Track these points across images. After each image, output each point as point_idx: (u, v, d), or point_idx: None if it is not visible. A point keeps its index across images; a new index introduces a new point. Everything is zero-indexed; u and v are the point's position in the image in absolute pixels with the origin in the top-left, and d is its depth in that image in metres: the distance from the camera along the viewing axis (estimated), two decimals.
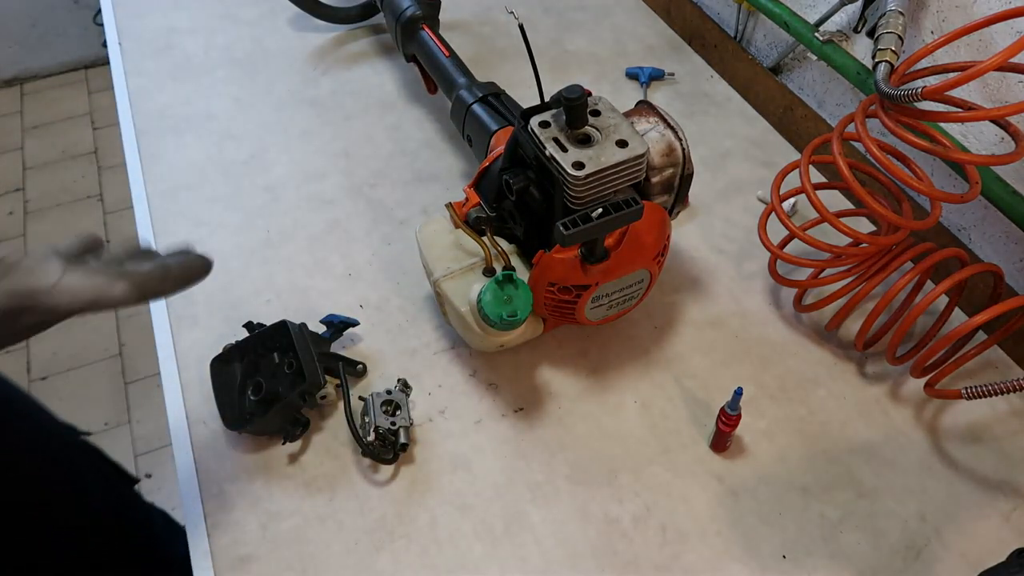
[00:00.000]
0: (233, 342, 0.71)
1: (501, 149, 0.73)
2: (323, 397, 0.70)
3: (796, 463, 0.70)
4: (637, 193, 0.66)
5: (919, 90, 0.63)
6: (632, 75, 1.08)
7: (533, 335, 0.72)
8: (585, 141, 0.64)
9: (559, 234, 0.60)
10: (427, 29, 0.96)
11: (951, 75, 0.61)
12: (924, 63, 0.72)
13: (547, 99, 0.66)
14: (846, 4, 0.89)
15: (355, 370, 0.72)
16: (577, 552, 0.64)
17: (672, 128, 0.71)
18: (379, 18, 1.16)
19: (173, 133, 0.97)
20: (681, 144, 0.71)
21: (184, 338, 0.76)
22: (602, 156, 0.62)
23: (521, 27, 0.69)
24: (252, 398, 0.68)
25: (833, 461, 0.71)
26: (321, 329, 0.73)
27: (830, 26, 0.93)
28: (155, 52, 1.08)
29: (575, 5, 1.22)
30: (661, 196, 0.73)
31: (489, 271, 0.69)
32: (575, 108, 0.62)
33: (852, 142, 0.85)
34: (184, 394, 0.72)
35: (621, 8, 1.22)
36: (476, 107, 0.85)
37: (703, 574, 0.63)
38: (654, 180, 0.71)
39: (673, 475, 0.69)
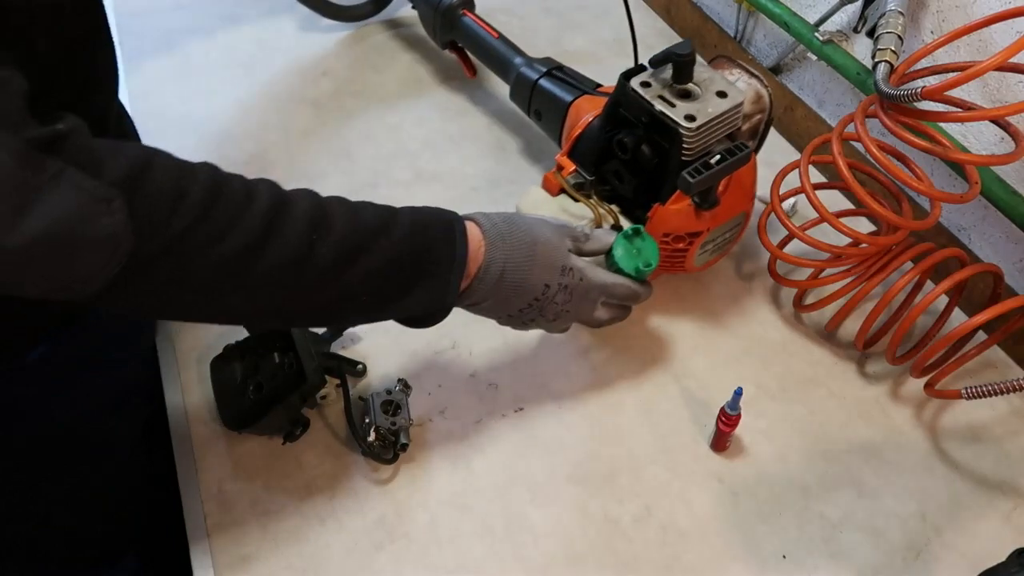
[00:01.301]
0: (233, 342, 0.71)
1: (588, 118, 0.77)
2: (323, 397, 0.70)
3: (796, 463, 0.70)
4: (730, 140, 0.70)
5: (919, 90, 0.63)
6: None
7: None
8: (686, 96, 0.69)
9: (685, 183, 0.65)
10: (469, 14, 0.97)
11: (951, 75, 0.61)
12: (924, 63, 0.72)
13: (641, 61, 0.72)
14: (846, 4, 0.89)
15: (355, 370, 0.72)
16: (577, 552, 0.64)
17: (756, 76, 0.76)
18: (388, 13, 1.16)
19: (173, 133, 0.97)
20: (767, 90, 0.76)
21: (184, 338, 0.76)
22: (708, 107, 0.67)
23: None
24: (252, 398, 0.68)
25: (833, 461, 0.71)
26: (321, 329, 0.73)
27: (830, 26, 0.93)
28: (155, 52, 1.08)
29: (575, 5, 1.22)
30: (749, 141, 0.77)
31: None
32: (685, 64, 0.67)
33: (852, 142, 0.85)
34: (184, 394, 0.72)
35: (621, 8, 1.22)
36: (543, 81, 0.86)
37: (703, 574, 0.63)
38: (744, 127, 0.76)
39: (673, 475, 0.69)
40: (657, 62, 0.69)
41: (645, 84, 0.69)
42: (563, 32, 1.16)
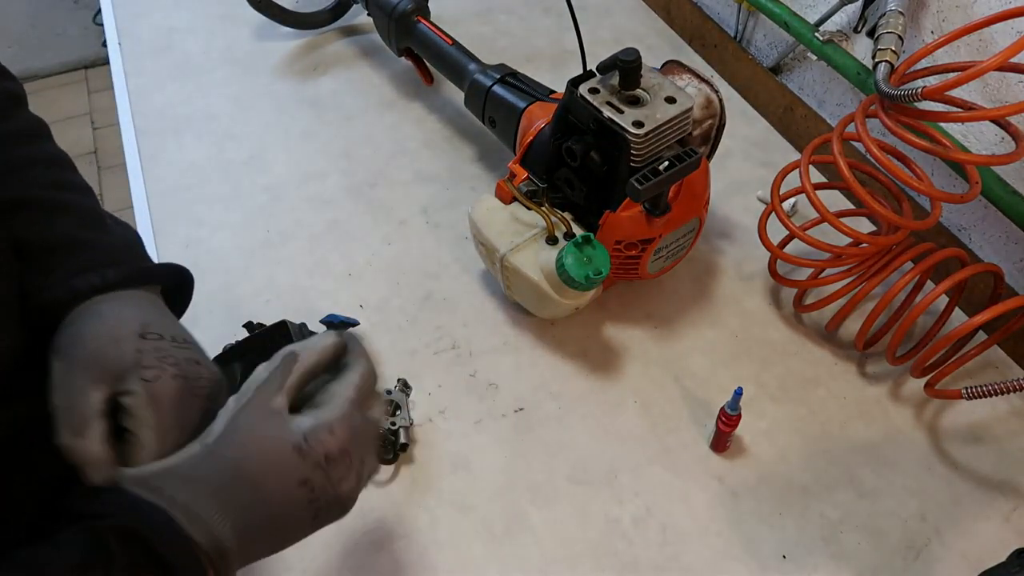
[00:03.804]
0: (233, 342, 0.71)
1: (540, 124, 0.76)
2: None
3: (796, 463, 0.70)
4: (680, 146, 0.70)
5: (919, 90, 0.63)
6: None
7: (597, 295, 0.74)
8: (635, 102, 0.68)
9: (634, 190, 0.64)
10: (423, 20, 0.97)
11: (951, 75, 0.61)
12: (924, 63, 0.72)
13: (589, 68, 0.71)
14: (846, 4, 0.89)
15: None
16: (577, 552, 0.64)
17: (706, 82, 0.76)
18: (348, 19, 1.16)
19: (173, 133, 0.97)
20: (717, 96, 0.76)
21: None
22: (656, 113, 0.66)
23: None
24: None
25: (833, 461, 0.71)
26: (321, 329, 0.73)
27: (830, 26, 0.93)
28: (155, 52, 1.08)
29: (575, 5, 1.21)
30: (700, 147, 0.77)
31: (552, 239, 0.72)
32: (631, 70, 0.66)
33: (852, 142, 0.85)
34: None
35: (621, 8, 1.22)
36: (497, 88, 0.86)
37: (703, 574, 0.63)
38: (695, 132, 0.75)
39: (673, 475, 0.69)
40: (605, 68, 0.69)
41: (593, 90, 0.68)
42: (563, 32, 1.16)
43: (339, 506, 0.45)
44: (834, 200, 0.91)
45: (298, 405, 0.46)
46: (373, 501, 0.66)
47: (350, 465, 0.45)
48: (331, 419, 0.44)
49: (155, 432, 0.45)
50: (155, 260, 0.82)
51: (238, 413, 0.44)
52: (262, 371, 0.46)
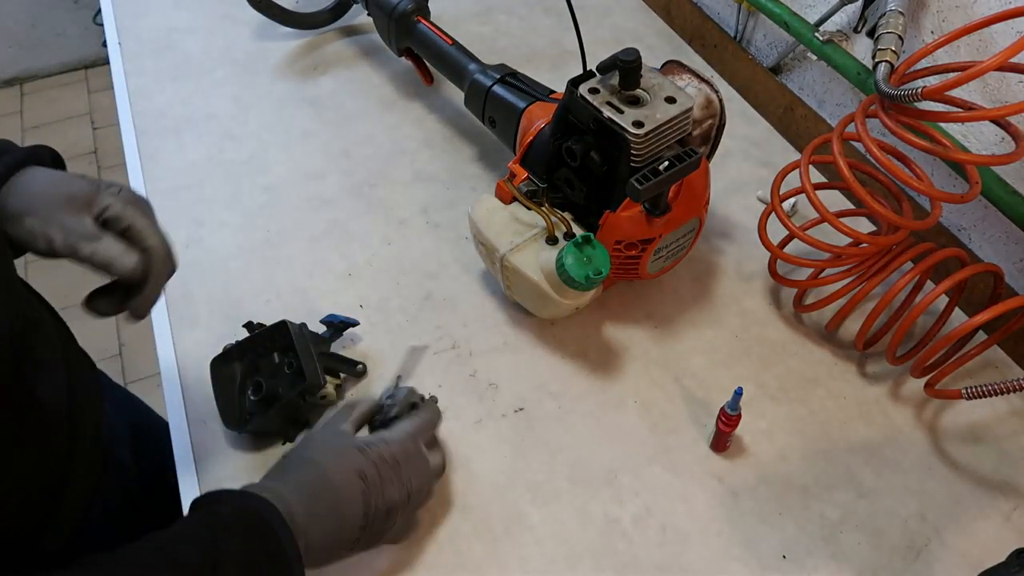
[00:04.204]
0: (233, 342, 0.71)
1: (540, 124, 0.76)
2: (323, 397, 0.70)
3: (796, 463, 0.70)
4: (680, 146, 0.70)
5: (919, 90, 0.63)
6: None
7: (597, 295, 0.74)
8: (635, 102, 0.68)
9: (634, 189, 0.64)
10: (423, 20, 0.97)
11: (951, 75, 0.61)
12: (924, 63, 0.72)
13: (589, 68, 0.71)
14: (846, 4, 0.89)
15: (355, 370, 0.72)
16: (577, 552, 0.64)
17: (706, 82, 0.76)
18: (348, 19, 1.16)
19: (173, 133, 0.97)
20: (717, 96, 0.76)
21: (184, 338, 0.76)
22: (656, 113, 0.66)
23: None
24: (252, 398, 0.68)
25: (833, 461, 0.71)
26: (321, 329, 0.73)
27: (830, 26, 0.93)
28: (155, 52, 1.08)
29: (575, 5, 1.21)
30: (700, 147, 0.77)
31: (552, 239, 0.72)
32: (631, 70, 0.66)
33: (852, 142, 0.85)
34: (184, 394, 0.72)
35: (621, 8, 1.22)
36: (497, 88, 0.86)
37: (703, 574, 0.63)
38: (695, 132, 0.75)
39: (673, 475, 0.69)
40: (605, 68, 0.69)
41: (593, 91, 0.68)
42: (563, 32, 1.16)
43: (385, 511, 0.56)
44: (834, 200, 0.91)
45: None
46: None
47: (399, 476, 0.57)
48: (390, 436, 0.59)
49: (147, 219, 0.55)
50: None
51: (313, 432, 0.61)
52: (330, 412, 0.64)
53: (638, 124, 0.65)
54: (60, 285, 0.64)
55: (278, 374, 0.69)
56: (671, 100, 0.68)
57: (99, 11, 2.23)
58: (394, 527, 0.58)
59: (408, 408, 0.64)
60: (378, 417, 0.64)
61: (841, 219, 0.72)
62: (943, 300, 0.74)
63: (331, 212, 0.89)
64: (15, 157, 0.55)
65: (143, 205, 0.56)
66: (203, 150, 0.96)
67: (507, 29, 1.17)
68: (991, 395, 0.64)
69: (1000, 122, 0.70)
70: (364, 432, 0.63)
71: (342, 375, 0.72)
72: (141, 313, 0.56)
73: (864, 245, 0.75)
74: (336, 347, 0.74)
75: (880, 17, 0.78)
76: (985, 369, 0.78)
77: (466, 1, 1.21)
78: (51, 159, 0.58)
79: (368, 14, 1.04)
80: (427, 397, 0.66)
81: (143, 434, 0.76)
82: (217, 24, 1.14)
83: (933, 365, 0.72)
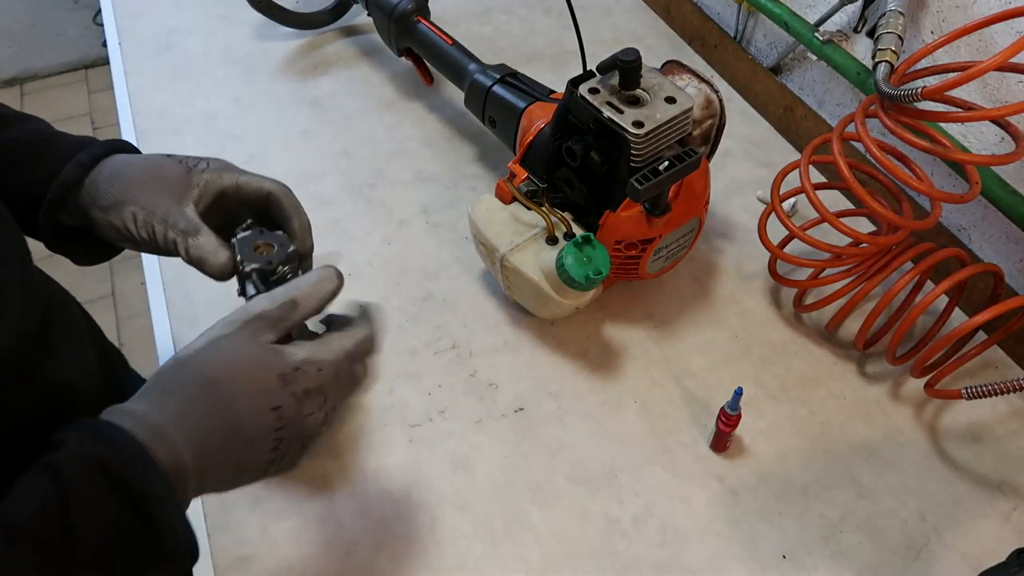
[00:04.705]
0: None
1: (540, 124, 0.76)
2: None
3: (796, 463, 0.70)
4: (680, 146, 0.70)
5: (919, 90, 0.63)
6: None
7: (597, 295, 0.74)
8: (635, 102, 0.68)
9: (634, 190, 0.64)
10: (423, 20, 0.97)
11: (951, 75, 0.61)
12: (924, 63, 0.72)
13: (589, 69, 0.71)
14: (846, 4, 0.89)
15: None
16: (577, 552, 0.64)
17: (706, 82, 0.76)
18: (348, 19, 1.16)
19: (173, 133, 0.97)
20: (717, 96, 0.76)
21: (184, 338, 0.76)
22: (656, 114, 0.66)
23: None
24: None
25: (833, 461, 0.71)
26: (321, 329, 0.73)
27: (830, 26, 0.93)
28: (155, 52, 1.08)
29: (575, 5, 1.21)
30: (700, 147, 0.77)
31: (552, 239, 0.72)
32: (631, 70, 0.66)
33: (852, 142, 0.85)
34: None
35: (621, 8, 1.22)
36: (497, 88, 0.86)
37: (703, 574, 0.63)
38: (695, 132, 0.75)
39: (673, 475, 0.69)
40: (605, 68, 0.69)
41: (593, 91, 0.68)
42: (563, 32, 1.16)
43: (299, 442, 0.46)
44: (834, 200, 0.91)
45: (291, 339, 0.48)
46: (373, 501, 0.66)
47: (323, 405, 0.47)
48: (323, 359, 0.47)
49: (241, 174, 0.57)
50: (157, 260, 0.83)
51: (223, 337, 0.46)
52: (260, 303, 0.48)
53: (638, 124, 0.65)
54: (73, 281, 0.63)
55: None
56: (671, 100, 0.68)
57: (99, 11, 2.22)
58: (309, 450, 0.48)
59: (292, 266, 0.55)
60: (273, 278, 0.55)
61: (841, 219, 0.72)
62: (943, 300, 0.74)
63: (331, 212, 0.89)
64: (101, 145, 0.55)
65: (233, 168, 0.57)
66: (203, 150, 0.95)
67: (507, 29, 1.17)
68: (991, 395, 0.64)
69: (1000, 122, 0.70)
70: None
71: None
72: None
73: (864, 245, 0.75)
74: None
75: (880, 17, 0.78)
76: (985, 369, 0.78)
77: (466, 1, 1.21)
78: (132, 149, 0.58)
79: (368, 14, 1.04)
80: (371, 304, 0.55)
81: None
82: (217, 24, 1.14)
83: (933, 365, 0.72)
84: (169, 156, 0.56)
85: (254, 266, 0.54)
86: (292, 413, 0.45)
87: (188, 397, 0.43)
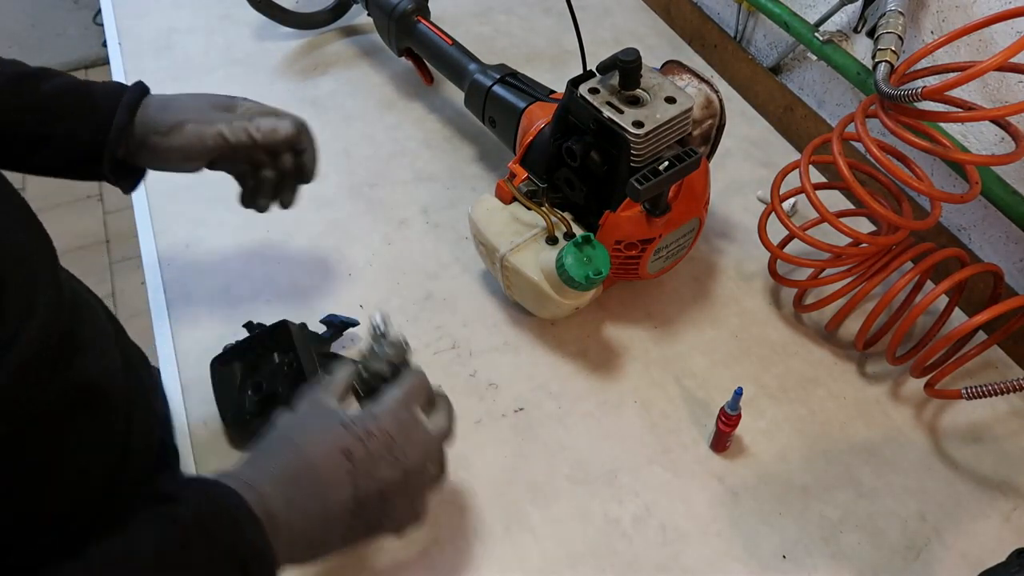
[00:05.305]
0: (233, 342, 0.71)
1: (540, 124, 0.76)
2: None
3: (796, 463, 0.70)
4: (680, 146, 0.70)
5: (919, 90, 0.63)
6: None
7: (597, 295, 0.74)
8: (635, 102, 0.68)
9: (634, 190, 0.64)
10: (423, 20, 0.97)
11: (951, 75, 0.61)
12: (924, 63, 0.72)
13: (589, 69, 0.71)
14: (846, 4, 0.89)
15: None
16: (577, 552, 0.64)
17: (706, 82, 0.76)
18: (348, 19, 1.16)
19: None
20: (718, 96, 0.76)
21: (184, 338, 0.76)
22: (656, 114, 0.66)
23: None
24: (252, 398, 0.68)
25: (833, 461, 0.71)
26: (321, 329, 0.73)
27: (830, 26, 0.93)
28: (155, 52, 1.08)
29: (575, 5, 1.21)
30: (700, 147, 0.77)
31: (552, 239, 0.72)
32: (631, 70, 0.66)
33: (852, 142, 0.85)
34: (184, 394, 0.72)
35: (621, 8, 1.22)
36: (497, 88, 0.86)
37: (703, 574, 0.63)
38: (695, 132, 0.75)
39: (673, 475, 0.69)
40: (605, 68, 0.69)
41: (593, 91, 0.68)
42: (563, 32, 1.16)
43: (379, 494, 0.49)
44: (834, 200, 0.91)
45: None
46: None
47: (392, 451, 0.50)
48: (377, 408, 0.52)
49: (274, 112, 0.66)
50: (157, 260, 0.83)
51: (290, 409, 0.53)
52: (319, 383, 0.55)
53: (638, 124, 0.65)
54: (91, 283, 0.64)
55: (278, 374, 0.69)
56: (671, 100, 0.68)
57: (99, 11, 2.22)
58: (395, 513, 0.51)
59: (392, 371, 0.58)
60: (361, 385, 0.58)
61: (841, 219, 0.72)
62: (943, 300, 0.74)
63: (331, 212, 0.89)
64: (135, 88, 0.63)
65: (268, 107, 0.66)
66: None
67: (507, 29, 1.17)
68: (991, 395, 0.64)
69: (1000, 122, 0.70)
70: (355, 406, 0.56)
71: None
72: (311, 169, 0.67)
73: (864, 245, 0.75)
74: (336, 347, 0.74)
75: (880, 17, 0.78)
76: (985, 369, 0.78)
77: (466, 1, 1.21)
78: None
79: (368, 14, 1.04)
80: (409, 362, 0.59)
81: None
82: (217, 24, 1.14)
83: (933, 365, 0.72)
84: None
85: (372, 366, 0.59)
86: (361, 455, 0.49)
87: (274, 458, 0.49)
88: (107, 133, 0.60)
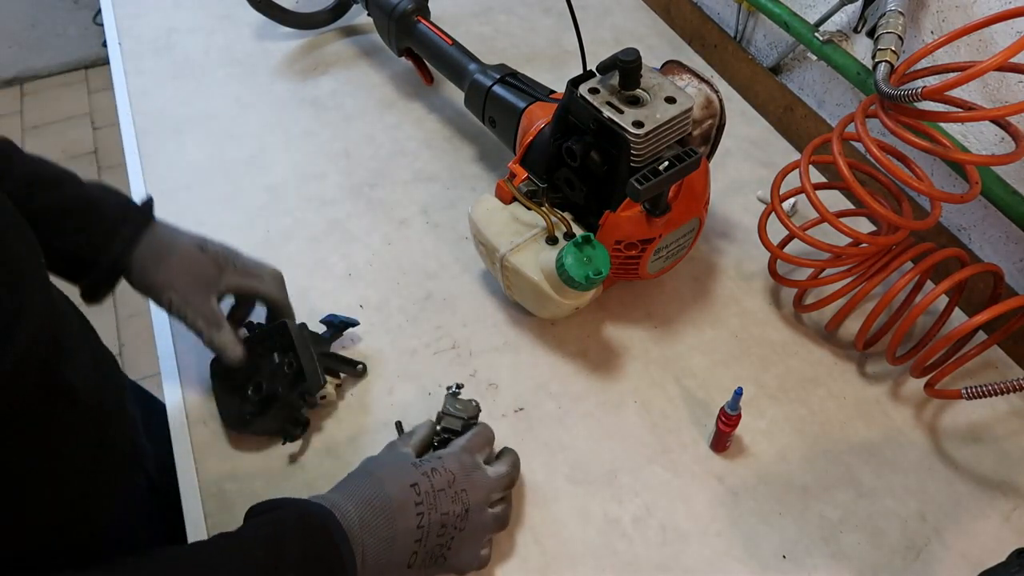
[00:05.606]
0: None
1: (540, 124, 0.76)
2: (323, 397, 0.70)
3: (796, 463, 0.70)
4: (680, 146, 0.70)
5: (919, 90, 0.63)
6: None
7: (597, 295, 0.74)
8: (635, 102, 0.68)
9: (634, 189, 0.64)
10: (423, 20, 0.97)
11: (951, 75, 0.61)
12: (924, 63, 0.72)
13: (589, 69, 0.71)
14: (846, 4, 0.89)
15: (355, 370, 0.73)
16: (577, 552, 0.64)
17: (706, 82, 0.76)
18: (348, 19, 1.16)
19: (173, 133, 0.97)
20: (717, 96, 0.76)
21: (184, 338, 0.76)
22: (656, 114, 0.66)
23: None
24: (252, 398, 0.68)
25: (833, 461, 0.71)
26: (321, 329, 0.73)
27: (830, 26, 0.93)
28: (155, 52, 1.08)
29: (575, 5, 1.21)
30: (700, 147, 0.77)
31: (552, 239, 0.72)
32: (631, 70, 0.66)
33: (852, 142, 0.85)
34: (184, 394, 0.72)
35: (621, 8, 1.22)
36: (497, 88, 0.86)
37: (703, 574, 0.63)
38: (695, 132, 0.75)
39: (673, 475, 0.69)
40: (605, 68, 0.69)
41: (593, 91, 0.68)
42: (563, 32, 1.16)
43: (440, 525, 0.56)
44: (834, 200, 0.91)
45: None
46: None
47: (454, 488, 0.57)
48: (443, 452, 0.61)
49: (258, 284, 0.69)
50: None
51: (378, 455, 0.62)
52: (400, 436, 0.65)
53: (638, 124, 0.65)
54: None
55: (278, 374, 0.69)
56: (671, 100, 0.68)
57: (99, 11, 2.23)
58: (455, 547, 0.57)
59: (464, 427, 0.64)
60: (436, 440, 0.64)
61: (841, 219, 0.72)
62: (943, 300, 0.74)
63: (331, 212, 0.89)
64: (136, 219, 0.65)
65: (251, 274, 0.69)
66: (203, 150, 0.96)
67: (507, 29, 1.17)
68: (991, 395, 0.64)
69: (1000, 122, 0.70)
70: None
71: (342, 375, 0.72)
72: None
73: (864, 245, 0.75)
74: (336, 347, 0.74)
75: (880, 17, 0.78)
76: (985, 369, 0.78)
77: (466, 1, 1.21)
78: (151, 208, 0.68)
79: (368, 14, 1.04)
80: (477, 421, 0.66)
81: (149, 419, 0.77)
82: (217, 24, 1.14)
83: (933, 365, 0.72)
84: (203, 250, 0.67)
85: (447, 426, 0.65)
86: (426, 488, 0.56)
87: (355, 486, 0.57)
88: (92, 254, 0.62)
